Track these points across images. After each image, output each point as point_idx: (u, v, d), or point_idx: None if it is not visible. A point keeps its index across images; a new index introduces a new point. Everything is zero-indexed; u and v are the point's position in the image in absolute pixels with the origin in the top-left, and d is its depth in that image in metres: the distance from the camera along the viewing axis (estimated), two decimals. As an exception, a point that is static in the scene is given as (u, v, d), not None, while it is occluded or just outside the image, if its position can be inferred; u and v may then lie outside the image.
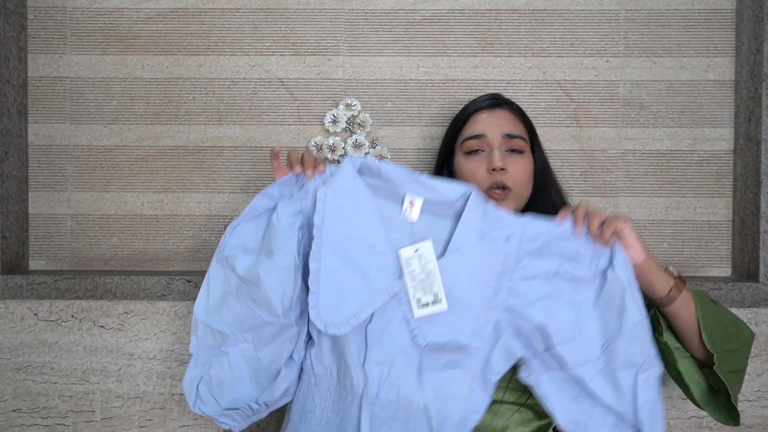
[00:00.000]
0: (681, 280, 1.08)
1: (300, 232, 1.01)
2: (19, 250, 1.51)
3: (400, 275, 0.99)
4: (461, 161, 1.22)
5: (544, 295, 1.00)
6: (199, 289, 1.42)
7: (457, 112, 1.50)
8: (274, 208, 1.04)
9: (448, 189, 1.01)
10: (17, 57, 1.49)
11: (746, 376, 1.44)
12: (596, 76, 1.50)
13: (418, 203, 1.01)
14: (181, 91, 1.51)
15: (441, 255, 1.00)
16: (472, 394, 1.00)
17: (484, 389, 1.01)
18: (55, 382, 1.46)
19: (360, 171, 1.02)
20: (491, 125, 1.21)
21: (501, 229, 1.00)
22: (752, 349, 1.44)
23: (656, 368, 1.02)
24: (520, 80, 1.50)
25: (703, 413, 1.44)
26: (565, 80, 1.50)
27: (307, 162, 1.07)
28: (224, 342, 1.04)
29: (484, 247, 0.98)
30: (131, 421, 1.46)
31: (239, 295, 1.03)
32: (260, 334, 1.02)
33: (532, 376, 1.01)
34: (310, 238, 1.00)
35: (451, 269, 0.98)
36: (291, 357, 1.04)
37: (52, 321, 1.46)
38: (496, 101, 1.25)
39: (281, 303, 0.99)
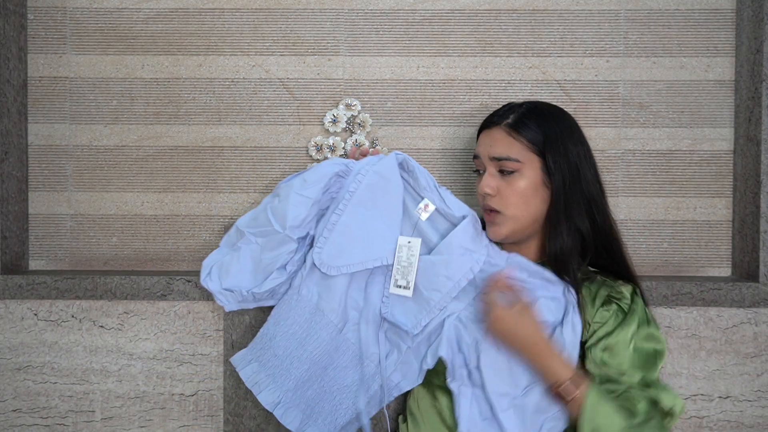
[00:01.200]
0: (573, 383, 1.08)
1: (333, 181, 1.22)
2: (19, 250, 1.51)
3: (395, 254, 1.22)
4: (476, 178, 1.28)
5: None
6: (200, 290, 1.42)
7: (457, 112, 1.51)
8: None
9: (457, 207, 1.19)
10: (17, 57, 1.49)
11: (746, 376, 1.44)
12: (596, 76, 1.50)
13: (431, 208, 1.20)
14: (181, 91, 1.51)
15: (426, 253, 1.20)
16: (410, 370, 1.23)
17: (419, 371, 1.22)
18: (55, 382, 1.46)
19: (400, 164, 1.22)
20: (483, 146, 1.21)
21: (486, 255, 1.19)
22: (752, 349, 1.44)
23: (561, 423, 1.12)
24: (520, 80, 1.50)
25: (703, 413, 1.44)
26: (565, 80, 1.50)
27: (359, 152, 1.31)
28: (240, 239, 1.26)
29: (461, 261, 1.16)
30: (131, 421, 1.46)
31: (267, 209, 1.24)
32: (268, 240, 1.22)
33: (455, 384, 1.16)
34: (336, 199, 1.23)
35: (427, 268, 1.18)
36: (284, 266, 1.23)
37: (52, 321, 1.46)
38: (499, 118, 1.20)
39: (293, 219, 1.19)
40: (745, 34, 1.47)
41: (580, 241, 1.18)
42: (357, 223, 1.20)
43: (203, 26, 1.51)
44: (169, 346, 1.45)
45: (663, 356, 1.14)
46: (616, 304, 1.16)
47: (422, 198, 1.21)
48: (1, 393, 1.46)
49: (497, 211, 1.17)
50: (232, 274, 1.24)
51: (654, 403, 1.09)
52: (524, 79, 1.50)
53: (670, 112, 1.50)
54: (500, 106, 1.25)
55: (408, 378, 1.23)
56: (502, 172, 1.17)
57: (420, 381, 1.22)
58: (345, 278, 1.22)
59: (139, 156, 1.52)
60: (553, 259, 1.18)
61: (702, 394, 1.44)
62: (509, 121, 1.19)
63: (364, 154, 1.28)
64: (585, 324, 1.16)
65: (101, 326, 1.46)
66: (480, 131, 1.25)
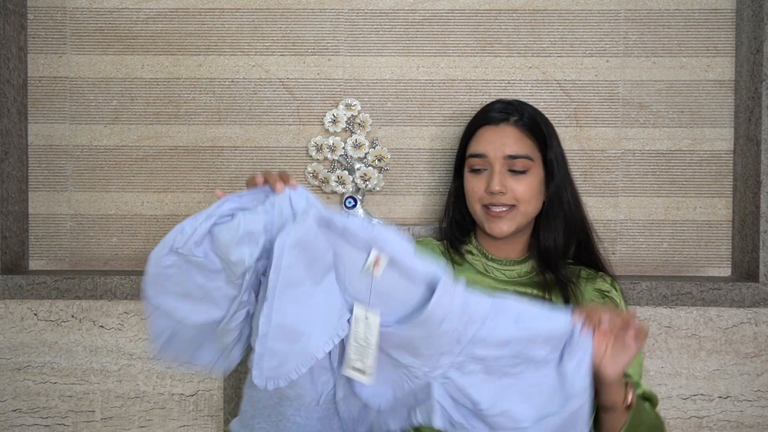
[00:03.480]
0: (629, 407, 1.03)
1: (257, 264, 0.98)
2: (19, 250, 1.51)
3: (348, 319, 0.98)
4: (466, 175, 1.20)
5: (484, 371, 1.00)
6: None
7: (457, 112, 1.51)
8: (231, 215, 1.00)
9: (418, 264, 0.95)
10: (17, 57, 1.49)
11: (746, 376, 1.44)
12: (596, 76, 1.50)
13: (383, 262, 0.94)
14: (181, 91, 1.51)
15: (403, 320, 0.96)
16: (399, 415, 1.06)
17: (407, 418, 1.05)
18: (55, 382, 1.46)
19: (325, 224, 0.95)
20: (494, 144, 1.16)
21: (467, 320, 0.97)
22: (752, 349, 1.44)
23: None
24: (520, 80, 1.50)
25: (703, 413, 1.44)
26: (565, 80, 1.50)
27: (275, 177, 1.00)
28: (181, 324, 1.03)
29: (446, 331, 0.95)
30: (131, 421, 1.46)
31: (198, 283, 1.00)
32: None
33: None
34: (268, 261, 0.97)
35: (402, 342, 0.97)
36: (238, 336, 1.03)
37: (52, 321, 1.46)
38: (503, 114, 1.19)
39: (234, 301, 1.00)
40: (745, 34, 1.47)
41: (567, 236, 1.20)
42: (292, 316, 0.95)
43: (203, 26, 1.51)
44: (169, 346, 1.45)
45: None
46: (607, 296, 1.18)
47: (367, 253, 0.95)
48: (1, 393, 1.46)
49: (510, 206, 1.15)
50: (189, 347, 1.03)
51: (650, 399, 1.13)
52: (524, 79, 1.50)
53: (670, 112, 1.50)
54: (489, 103, 1.23)
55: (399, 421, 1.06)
56: (510, 171, 1.16)
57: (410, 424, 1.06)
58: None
59: (139, 156, 1.52)
60: (543, 255, 1.19)
61: (702, 394, 1.44)
62: (517, 118, 1.18)
63: (274, 181, 1.01)
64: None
65: (101, 326, 1.46)
66: (477, 128, 1.21)
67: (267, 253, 0.96)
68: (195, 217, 1.01)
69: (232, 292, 0.99)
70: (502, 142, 1.17)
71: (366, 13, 1.50)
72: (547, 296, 1.17)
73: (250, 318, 1.03)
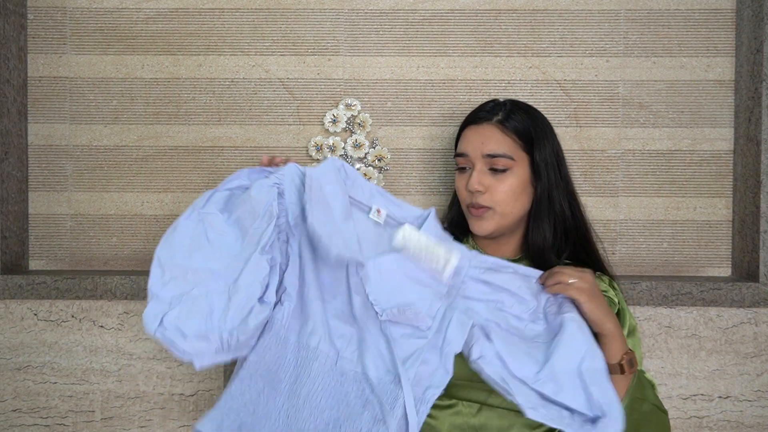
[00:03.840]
0: (630, 364, 1.07)
1: (278, 199, 1.07)
2: (19, 250, 1.51)
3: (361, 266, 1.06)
4: (456, 174, 1.23)
5: (485, 318, 1.08)
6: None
7: (457, 112, 1.51)
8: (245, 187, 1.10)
9: (410, 208, 1.11)
10: (17, 57, 1.49)
11: (746, 376, 1.44)
12: (596, 76, 1.50)
13: (383, 213, 1.10)
14: (181, 91, 1.51)
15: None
16: (434, 369, 1.05)
17: (444, 362, 1.05)
18: (55, 382, 1.46)
19: (338, 171, 1.09)
20: (474, 143, 1.17)
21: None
22: (752, 349, 1.44)
23: (598, 359, 1.04)
24: (520, 80, 1.50)
25: (703, 413, 1.44)
26: (565, 80, 1.50)
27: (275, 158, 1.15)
28: (196, 285, 1.05)
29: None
30: (131, 421, 1.46)
31: (211, 240, 1.06)
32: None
33: (477, 350, 1.05)
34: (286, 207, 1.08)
35: (410, 265, 1.07)
36: (263, 297, 1.04)
37: (52, 321, 1.46)
38: (488, 114, 1.20)
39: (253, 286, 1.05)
40: (745, 34, 1.47)
41: (560, 236, 1.20)
42: (321, 222, 1.04)
43: (203, 26, 1.51)
44: (169, 346, 1.45)
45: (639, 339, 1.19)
46: (606, 296, 1.18)
47: (369, 208, 1.10)
48: (1, 393, 1.46)
49: (486, 207, 1.16)
50: (199, 314, 1.00)
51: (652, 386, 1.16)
52: (524, 79, 1.50)
53: (670, 112, 1.50)
54: (482, 103, 1.24)
55: (436, 377, 1.05)
56: (492, 169, 1.16)
57: (451, 372, 1.06)
58: (319, 303, 1.05)
59: (139, 156, 1.52)
60: (534, 254, 1.19)
61: (702, 394, 1.44)
62: (500, 117, 1.18)
63: (276, 164, 1.13)
64: None
65: (101, 326, 1.46)
66: (464, 127, 1.22)
67: (285, 213, 1.07)
68: (215, 189, 1.09)
69: (237, 249, 1.05)
70: (482, 141, 1.17)
71: (366, 13, 1.50)
72: None
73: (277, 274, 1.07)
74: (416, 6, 1.50)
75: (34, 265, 1.54)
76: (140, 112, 1.52)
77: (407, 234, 1.06)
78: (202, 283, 1.02)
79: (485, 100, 1.51)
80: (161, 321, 0.98)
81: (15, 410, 1.46)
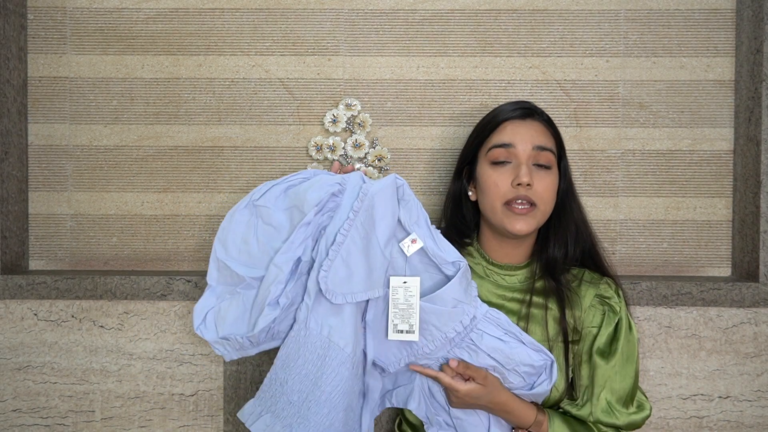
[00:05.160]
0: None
1: (329, 200, 1.11)
2: (19, 250, 1.51)
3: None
4: (485, 170, 1.18)
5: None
6: (200, 289, 1.42)
7: (456, 112, 1.51)
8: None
9: (449, 251, 1.12)
10: (17, 57, 1.49)
11: (746, 376, 1.44)
12: (596, 76, 1.50)
13: (418, 245, 1.11)
14: (181, 91, 1.51)
15: (423, 293, 1.13)
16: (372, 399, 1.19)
17: (380, 400, 1.21)
18: (55, 382, 1.46)
19: (396, 188, 1.12)
20: (522, 135, 1.16)
21: (470, 309, 1.13)
22: (752, 349, 1.44)
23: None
24: (520, 80, 1.50)
25: (703, 413, 1.44)
26: (565, 80, 1.50)
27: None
28: (240, 284, 1.14)
29: (453, 314, 1.11)
30: (131, 421, 1.46)
31: (260, 240, 1.13)
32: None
33: (433, 430, 1.18)
34: (334, 218, 1.12)
35: (425, 312, 1.11)
36: (277, 301, 1.09)
37: (52, 321, 1.46)
38: (528, 110, 1.20)
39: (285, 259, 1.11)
40: (745, 34, 1.47)
41: (575, 247, 1.23)
42: (358, 249, 1.08)
43: (203, 26, 1.51)
44: (169, 346, 1.45)
45: (634, 363, 1.21)
46: (608, 304, 1.18)
47: (409, 233, 1.12)
48: (1, 393, 1.46)
49: (532, 204, 1.14)
50: (228, 321, 1.12)
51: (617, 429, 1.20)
52: (524, 79, 1.50)
53: (670, 112, 1.50)
54: (506, 103, 1.25)
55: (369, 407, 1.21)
56: (536, 165, 1.16)
57: (379, 408, 1.21)
58: (352, 307, 1.10)
59: (139, 156, 1.52)
60: (549, 264, 1.19)
61: (702, 394, 1.44)
62: (544, 117, 1.22)
63: (346, 172, 1.17)
64: (574, 322, 1.19)
65: (101, 326, 1.46)
66: (501, 122, 1.20)
67: (336, 204, 1.10)
68: (275, 182, 1.15)
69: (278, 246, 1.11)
70: (531, 133, 1.17)
71: (366, 13, 1.50)
72: (543, 302, 1.18)
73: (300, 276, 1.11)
74: (416, 6, 1.50)
75: (34, 265, 1.54)
76: (140, 112, 1.52)
77: (409, 286, 1.11)
78: (242, 284, 1.13)
79: (485, 100, 1.51)
80: (205, 317, 1.13)
81: (15, 410, 1.46)
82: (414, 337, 1.10)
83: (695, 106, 1.50)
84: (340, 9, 1.50)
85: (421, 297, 1.11)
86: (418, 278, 1.11)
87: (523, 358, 1.11)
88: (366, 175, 1.18)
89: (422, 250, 1.12)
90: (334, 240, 1.08)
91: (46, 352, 1.46)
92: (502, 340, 1.12)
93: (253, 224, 1.13)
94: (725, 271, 1.52)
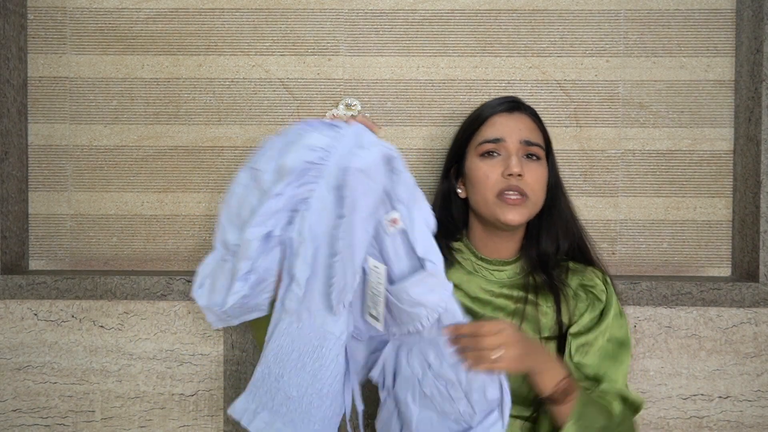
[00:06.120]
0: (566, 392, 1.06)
1: (307, 168, 1.01)
2: (19, 250, 1.51)
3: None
4: (475, 163, 1.18)
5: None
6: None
7: (456, 112, 1.50)
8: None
9: (422, 241, 1.01)
10: (17, 57, 1.49)
11: (746, 376, 1.44)
12: (596, 76, 1.50)
13: (399, 226, 1.01)
14: (181, 91, 1.51)
15: (395, 280, 1.03)
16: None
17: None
18: (55, 382, 1.46)
19: (387, 162, 0.99)
20: (510, 129, 1.17)
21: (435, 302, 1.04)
22: (752, 349, 1.44)
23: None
24: (520, 80, 1.50)
25: (703, 413, 1.44)
26: (565, 80, 1.50)
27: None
28: (230, 250, 1.07)
29: (410, 314, 1.04)
30: (131, 421, 1.46)
31: (251, 201, 1.04)
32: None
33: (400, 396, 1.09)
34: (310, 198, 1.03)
35: (396, 299, 1.04)
36: (245, 277, 1.02)
37: (52, 321, 1.46)
38: (515, 104, 1.21)
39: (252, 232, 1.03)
40: (745, 34, 1.47)
41: (565, 241, 1.23)
42: (348, 255, 1.01)
43: (203, 26, 1.51)
44: (169, 346, 1.45)
45: (629, 349, 1.17)
46: (591, 292, 1.18)
47: (393, 208, 1.01)
48: (1, 393, 1.46)
49: (524, 195, 1.14)
50: (217, 289, 1.06)
51: (624, 400, 1.13)
52: (524, 79, 1.50)
53: (670, 112, 1.50)
54: (499, 97, 1.25)
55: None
56: (527, 156, 1.17)
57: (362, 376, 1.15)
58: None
59: (139, 156, 1.52)
60: (540, 259, 1.20)
61: (702, 394, 1.44)
62: (531, 111, 1.22)
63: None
64: (569, 316, 1.18)
65: (101, 326, 1.46)
66: (489, 116, 1.20)
67: (317, 173, 1.00)
68: (269, 141, 1.05)
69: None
70: (519, 127, 1.18)
71: (366, 13, 1.50)
72: (533, 298, 1.17)
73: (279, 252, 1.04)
74: (416, 6, 1.50)
75: (34, 265, 1.54)
76: (140, 112, 1.52)
77: (379, 272, 1.02)
78: (230, 251, 1.06)
79: (485, 100, 1.51)
80: (203, 282, 1.09)
81: (15, 410, 1.46)
82: (379, 326, 1.04)
83: (695, 106, 1.50)
84: (340, 9, 1.50)
85: (392, 282, 1.03)
86: (385, 267, 1.02)
87: (477, 384, 1.02)
88: (371, 128, 1.03)
89: (402, 232, 1.01)
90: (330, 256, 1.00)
91: (46, 352, 1.46)
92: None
93: (251, 187, 1.05)
94: (725, 271, 1.52)
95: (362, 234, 0.99)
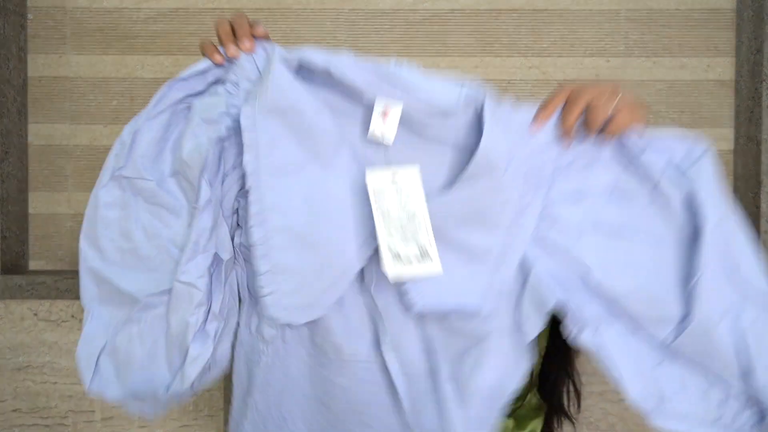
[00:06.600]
0: None
1: (219, 145, 0.70)
2: (19, 250, 1.51)
3: (373, 230, 0.67)
4: None
5: (595, 222, 0.70)
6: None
7: (457, 112, 1.51)
8: (186, 103, 0.76)
9: (440, 89, 0.70)
10: (17, 57, 1.49)
11: (746, 376, 1.44)
12: (596, 76, 1.50)
13: (395, 113, 0.68)
14: (181, 91, 1.51)
15: (437, 192, 0.69)
16: (504, 361, 0.72)
17: (518, 352, 0.72)
18: (55, 382, 1.46)
19: (299, 71, 0.70)
20: None
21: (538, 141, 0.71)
22: (752, 349, 1.44)
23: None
24: (520, 80, 1.50)
25: (703, 413, 1.44)
26: (565, 80, 1.50)
27: (226, 34, 0.77)
28: (135, 305, 0.73)
29: (514, 177, 0.68)
30: (131, 421, 1.46)
31: (149, 231, 0.71)
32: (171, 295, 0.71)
33: (589, 332, 0.69)
34: (239, 154, 0.69)
35: (457, 212, 0.67)
36: (203, 328, 0.72)
37: (52, 321, 1.46)
38: None
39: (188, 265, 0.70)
40: (745, 34, 1.47)
41: None
42: (299, 215, 0.67)
43: (203, 26, 1.51)
44: (169, 346, 1.45)
45: None
46: None
47: (371, 103, 0.70)
48: (1, 393, 1.46)
49: None
50: (136, 365, 0.74)
51: None
52: (524, 79, 1.50)
53: (670, 112, 1.50)
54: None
55: (505, 376, 0.73)
56: None
57: (524, 367, 0.74)
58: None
59: (139, 156, 1.52)
60: None
61: (702, 394, 1.44)
62: None
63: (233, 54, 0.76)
64: None
65: (101, 326, 1.46)
66: None
67: (238, 146, 0.69)
68: (135, 118, 0.74)
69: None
70: None
71: (366, 13, 1.50)
72: None
73: (226, 276, 0.73)
74: (416, 6, 1.50)
75: (34, 265, 1.54)
76: (140, 112, 1.51)
77: (406, 181, 0.67)
78: (137, 306, 0.74)
79: (485, 100, 1.51)
80: (97, 364, 0.75)
81: (15, 410, 1.46)
82: (432, 267, 0.66)
83: (695, 106, 1.50)
84: (341, 9, 1.50)
85: (444, 187, 0.69)
86: (416, 167, 0.68)
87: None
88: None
89: (407, 117, 0.68)
90: (253, 242, 0.68)
91: (46, 352, 1.46)
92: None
93: (132, 206, 0.73)
94: (725, 271, 1.52)
95: (343, 187, 0.69)
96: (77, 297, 1.43)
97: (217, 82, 0.75)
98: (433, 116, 0.69)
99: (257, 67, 0.71)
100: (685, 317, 0.68)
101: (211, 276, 0.71)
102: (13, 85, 1.48)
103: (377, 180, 0.66)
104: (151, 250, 0.72)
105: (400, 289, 0.70)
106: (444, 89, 0.71)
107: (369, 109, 0.68)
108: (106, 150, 1.51)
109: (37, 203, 1.53)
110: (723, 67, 1.50)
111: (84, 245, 0.73)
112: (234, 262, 0.74)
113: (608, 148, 0.71)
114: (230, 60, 0.75)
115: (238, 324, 0.77)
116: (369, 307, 0.74)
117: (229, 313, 0.76)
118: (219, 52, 0.76)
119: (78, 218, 1.53)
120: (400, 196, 0.66)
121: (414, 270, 0.65)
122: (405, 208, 0.66)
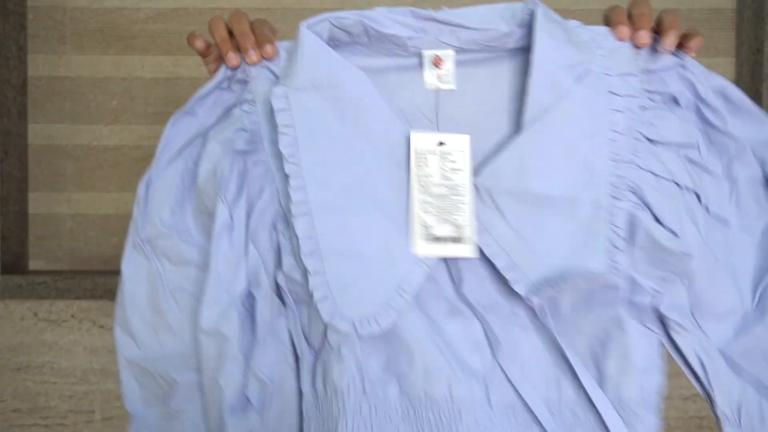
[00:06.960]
0: None
1: (240, 161, 0.60)
2: (19, 250, 1.51)
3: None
4: None
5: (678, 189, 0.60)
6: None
7: (457, 112, 1.51)
8: (204, 135, 0.66)
9: (486, 15, 0.61)
10: (17, 57, 1.49)
11: (746, 376, 1.44)
12: (596, 76, 1.50)
13: (449, 58, 0.60)
14: (181, 91, 1.51)
15: (497, 147, 0.59)
16: (648, 347, 0.61)
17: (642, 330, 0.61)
18: (55, 382, 1.46)
19: (333, 40, 0.63)
20: None
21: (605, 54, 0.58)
22: (752, 349, 1.44)
23: None
24: (520, 80, 1.50)
25: (704, 413, 1.44)
26: (565, 80, 1.50)
27: (244, 36, 0.65)
28: (174, 395, 0.64)
29: (586, 95, 0.59)
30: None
31: (178, 297, 0.61)
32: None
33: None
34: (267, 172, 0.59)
35: (534, 161, 0.57)
36: (244, 396, 0.60)
37: (52, 321, 1.46)
38: None
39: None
40: (745, 34, 1.47)
41: None
42: (338, 215, 0.56)
43: (203, 26, 1.50)
44: (169, 346, 1.45)
45: None
46: None
47: (418, 55, 0.61)
48: (1, 393, 1.46)
49: None
50: None
51: None
52: (524, 79, 1.50)
53: (670, 112, 1.50)
54: None
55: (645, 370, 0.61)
56: None
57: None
58: None
59: (139, 156, 1.52)
60: None
61: (702, 394, 1.44)
62: None
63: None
64: None
65: (101, 326, 1.46)
66: None
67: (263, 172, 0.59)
68: (147, 170, 0.66)
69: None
70: None
71: (366, 13, 1.50)
72: None
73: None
74: (416, 6, 1.50)
75: (34, 265, 1.54)
76: (140, 112, 1.51)
77: (453, 149, 0.58)
78: (176, 395, 0.65)
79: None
80: None
81: (15, 410, 1.46)
82: (464, 250, 0.55)
83: (695, 106, 1.50)
84: (341, 9, 1.50)
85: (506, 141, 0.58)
86: (466, 135, 0.58)
87: None
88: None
89: (457, 59, 0.59)
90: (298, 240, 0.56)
91: (46, 352, 1.46)
92: None
93: (159, 273, 0.64)
94: (725, 271, 1.52)
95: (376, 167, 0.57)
96: (77, 297, 1.44)
97: (229, 109, 0.65)
98: (491, 45, 0.60)
99: (274, 74, 0.61)
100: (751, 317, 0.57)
101: (242, 322, 0.57)
102: (13, 85, 1.48)
103: (422, 141, 0.56)
104: (183, 321, 0.60)
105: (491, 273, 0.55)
106: (494, 13, 0.63)
107: (416, 60, 0.59)
108: (106, 150, 1.52)
109: (37, 203, 1.53)
110: (723, 67, 1.50)
111: (118, 334, 0.64)
112: (279, 305, 0.60)
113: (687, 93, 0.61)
114: (244, 66, 0.63)
115: (300, 392, 0.60)
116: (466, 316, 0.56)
117: (282, 377, 0.60)
118: (236, 54, 0.66)
119: (78, 218, 1.53)
120: (444, 163, 0.56)
121: (444, 250, 0.54)
122: (449, 181, 0.56)
